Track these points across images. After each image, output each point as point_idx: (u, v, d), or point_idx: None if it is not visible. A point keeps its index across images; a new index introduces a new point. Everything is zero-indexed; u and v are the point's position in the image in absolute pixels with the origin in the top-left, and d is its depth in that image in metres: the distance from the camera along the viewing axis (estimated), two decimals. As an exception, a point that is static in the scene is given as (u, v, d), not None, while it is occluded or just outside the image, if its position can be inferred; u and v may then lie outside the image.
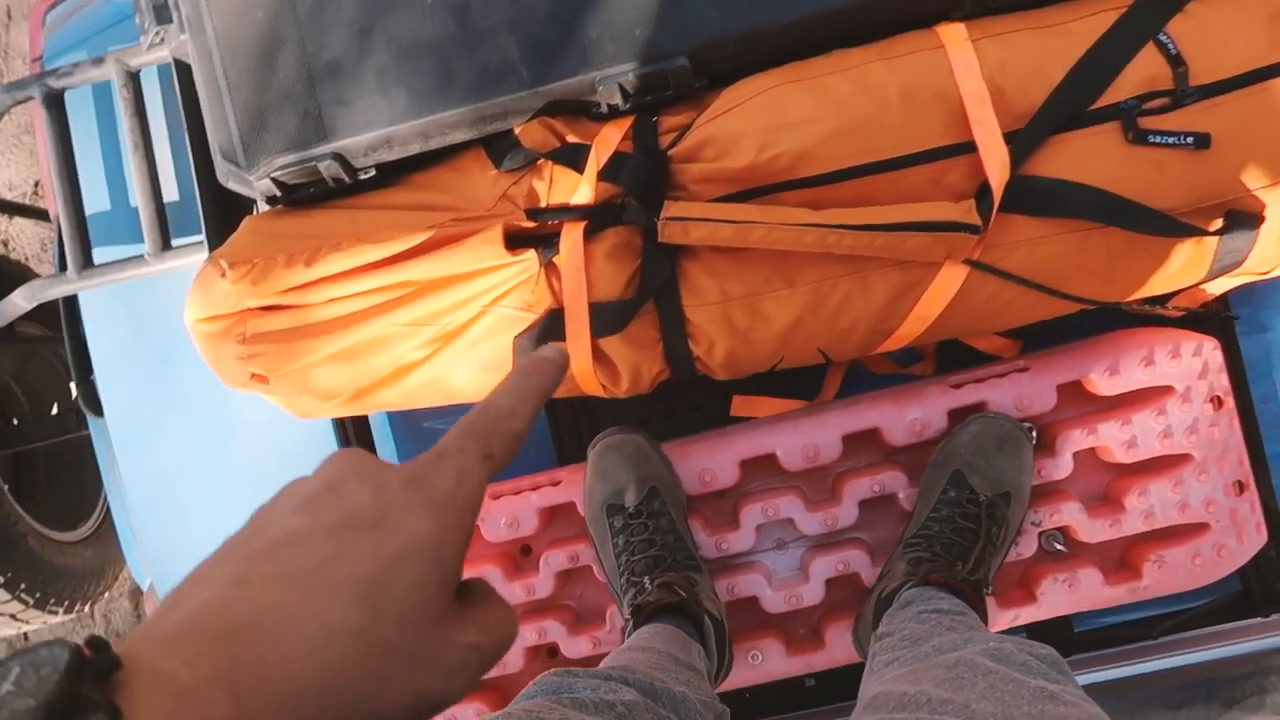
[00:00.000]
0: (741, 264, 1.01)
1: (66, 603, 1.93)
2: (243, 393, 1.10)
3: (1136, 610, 1.15)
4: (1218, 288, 1.09)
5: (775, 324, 1.03)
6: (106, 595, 2.27)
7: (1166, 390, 1.06)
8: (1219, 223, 0.95)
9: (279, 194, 1.08)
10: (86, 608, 2.09)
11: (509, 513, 1.10)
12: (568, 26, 1.01)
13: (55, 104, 1.25)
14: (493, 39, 1.02)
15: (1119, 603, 1.06)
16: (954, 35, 0.99)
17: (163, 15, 1.13)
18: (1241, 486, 1.06)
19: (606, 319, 1.03)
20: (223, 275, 1.02)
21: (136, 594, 2.40)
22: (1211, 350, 1.06)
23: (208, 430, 1.40)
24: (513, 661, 1.12)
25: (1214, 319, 1.13)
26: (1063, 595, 1.06)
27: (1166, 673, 1.07)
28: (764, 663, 1.10)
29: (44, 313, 1.59)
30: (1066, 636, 1.17)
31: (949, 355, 1.20)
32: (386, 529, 0.31)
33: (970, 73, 0.97)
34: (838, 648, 1.09)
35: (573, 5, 1.01)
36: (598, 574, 1.11)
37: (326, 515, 0.31)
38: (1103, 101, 0.96)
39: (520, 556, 1.18)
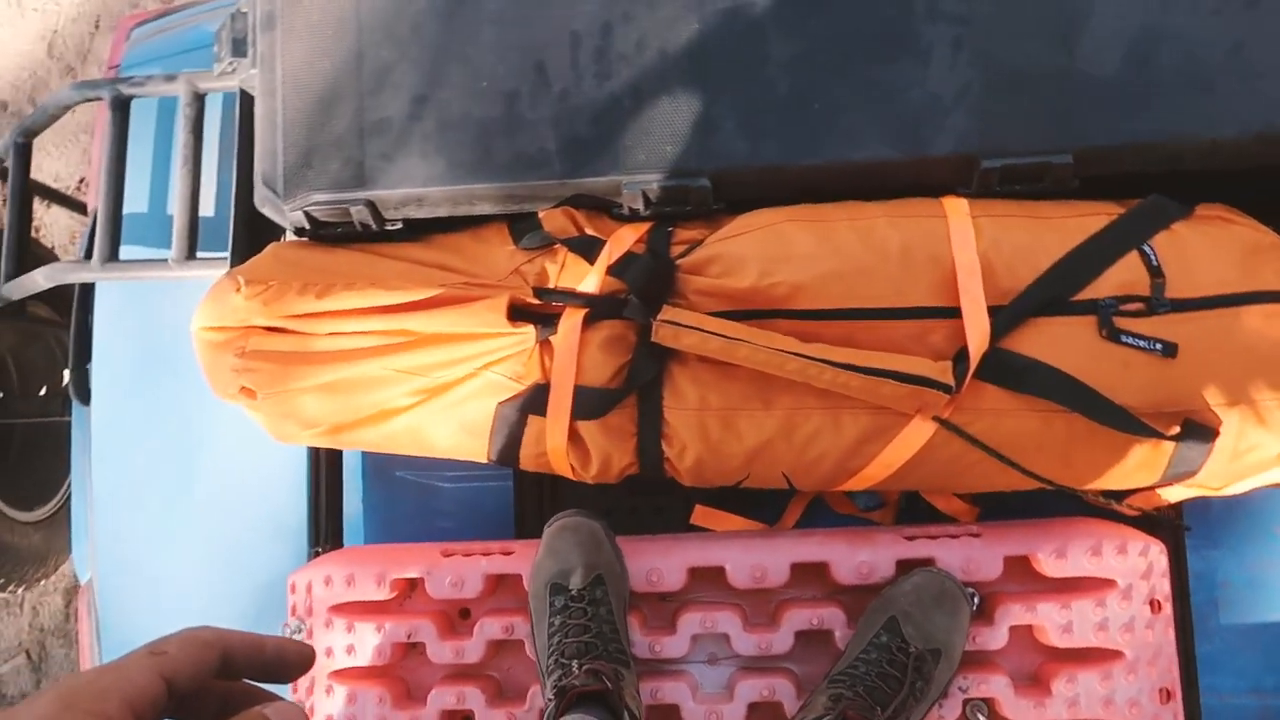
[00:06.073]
0: (725, 378, 1.06)
1: (1, 580, 1.91)
2: (228, 406, 1.13)
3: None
4: (1173, 495, 1.13)
5: (746, 441, 1.07)
6: (43, 584, 2.25)
7: (1109, 583, 1.08)
8: (1176, 429, 1.00)
9: (308, 227, 1.14)
10: (19, 591, 2.07)
11: (456, 573, 1.12)
12: (606, 130, 1.09)
13: (121, 108, 1.33)
14: (534, 129, 1.10)
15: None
16: (956, 208, 1.06)
17: (239, 49, 1.22)
18: (1168, 694, 1.07)
19: (588, 404, 1.07)
20: (237, 290, 1.08)
21: (71, 592, 2.37)
22: (1158, 554, 1.09)
23: (186, 442, 1.42)
24: (427, 722, 1.12)
25: (1166, 524, 1.16)
26: (979, 764, 1.07)
27: None
28: (673, 774, 1.09)
29: (56, 297, 1.64)
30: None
31: (910, 508, 1.24)
32: None
33: (966, 245, 1.04)
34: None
35: (614, 112, 1.09)
36: (529, 650, 1.11)
37: None
38: (1083, 295, 1.02)
39: (458, 618, 1.19)
